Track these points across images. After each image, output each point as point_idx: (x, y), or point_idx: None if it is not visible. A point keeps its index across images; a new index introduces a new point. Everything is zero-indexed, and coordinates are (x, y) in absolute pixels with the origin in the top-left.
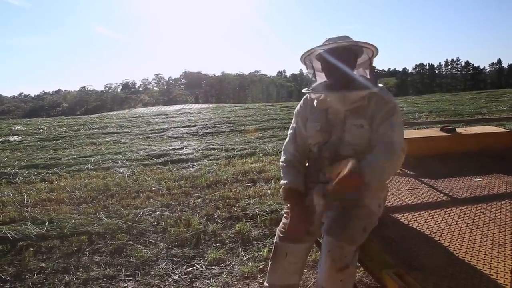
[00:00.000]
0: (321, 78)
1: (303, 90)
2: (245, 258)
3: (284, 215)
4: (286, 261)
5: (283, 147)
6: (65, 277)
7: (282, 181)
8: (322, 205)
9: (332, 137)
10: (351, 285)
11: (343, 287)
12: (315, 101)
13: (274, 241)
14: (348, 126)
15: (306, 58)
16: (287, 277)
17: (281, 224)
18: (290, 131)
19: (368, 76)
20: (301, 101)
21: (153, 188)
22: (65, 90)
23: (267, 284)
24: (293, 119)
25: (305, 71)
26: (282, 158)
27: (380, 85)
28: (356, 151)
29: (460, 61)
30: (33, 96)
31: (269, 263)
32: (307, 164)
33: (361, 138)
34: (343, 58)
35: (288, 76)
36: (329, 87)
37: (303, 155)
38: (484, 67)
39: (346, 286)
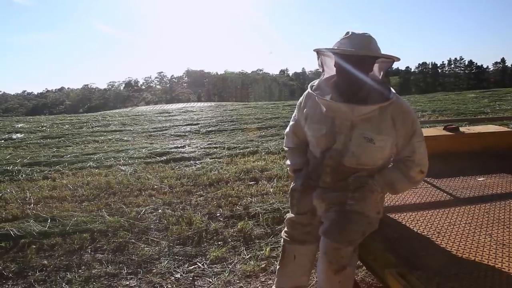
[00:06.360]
0: (329, 70)
1: (309, 90)
2: (247, 257)
3: (287, 215)
4: (295, 263)
5: (285, 132)
6: (67, 274)
7: (288, 163)
8: (324, 207)
9: (337, 143)
10: (351, 285)
11: None
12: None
13: (282, 244)
14: (355, 136)
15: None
16: (296, 279)
17: (284, 229)
18: (291, 123)
19: (380, 77)
20: (304, 96)
21: (155, 186)
22: (68, 88)
23: None
24: (295, 110)
25: (314, 64)
26: (285, 142)
27: (392, 90)
28: (360, 164)
29: (463, 60)
30: (36, 93)
31: (277, 268)
32: (308, 167)
33: (368, 153)
34: (360, 64)
35: (290, 74)
36: (338, 91)
37: (303, 145)
38: (488, 66)
39: (345, 287)
